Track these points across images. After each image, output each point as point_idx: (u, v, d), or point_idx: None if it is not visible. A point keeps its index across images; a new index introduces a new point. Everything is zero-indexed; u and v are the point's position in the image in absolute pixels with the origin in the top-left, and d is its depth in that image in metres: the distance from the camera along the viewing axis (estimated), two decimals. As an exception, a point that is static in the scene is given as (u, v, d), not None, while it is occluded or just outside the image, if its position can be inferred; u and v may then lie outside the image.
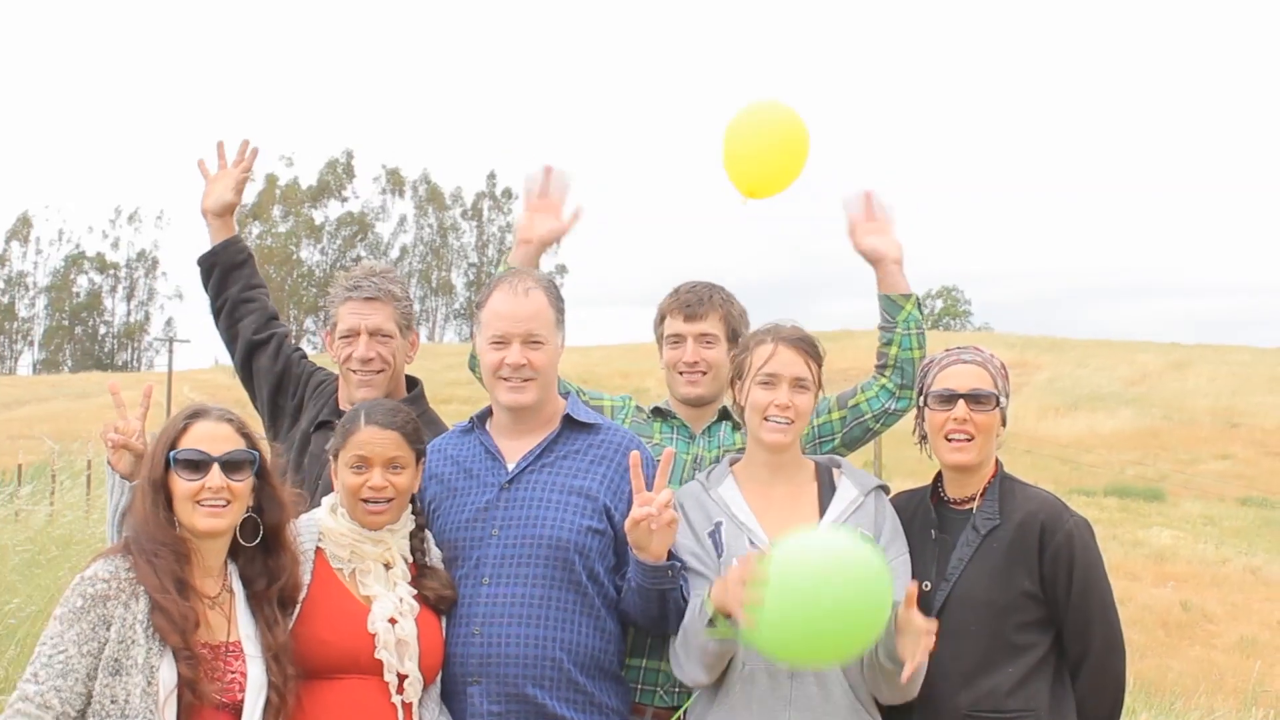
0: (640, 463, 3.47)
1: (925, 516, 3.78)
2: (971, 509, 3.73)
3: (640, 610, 3.54)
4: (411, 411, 3.73)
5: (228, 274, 4.53)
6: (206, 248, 4.59)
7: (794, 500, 3.68)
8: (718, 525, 3.64)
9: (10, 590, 7.19)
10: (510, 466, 3.70)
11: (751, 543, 3.57)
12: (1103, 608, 3.67)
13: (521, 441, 3.74)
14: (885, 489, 3.81)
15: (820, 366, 3.74)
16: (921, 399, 3.85)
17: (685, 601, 3.52)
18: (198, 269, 4.59)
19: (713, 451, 4.15)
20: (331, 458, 3.58)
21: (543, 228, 4.35)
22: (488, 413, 3.86)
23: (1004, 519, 3.68)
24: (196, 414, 3.26)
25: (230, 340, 4.55)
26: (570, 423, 3.76)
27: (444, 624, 3.56)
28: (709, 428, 4.21)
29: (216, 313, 4.57)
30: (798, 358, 3.67)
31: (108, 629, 2.98)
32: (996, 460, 3.83)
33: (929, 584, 3.64)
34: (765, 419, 3.65)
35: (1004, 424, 3.81)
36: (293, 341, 4.56)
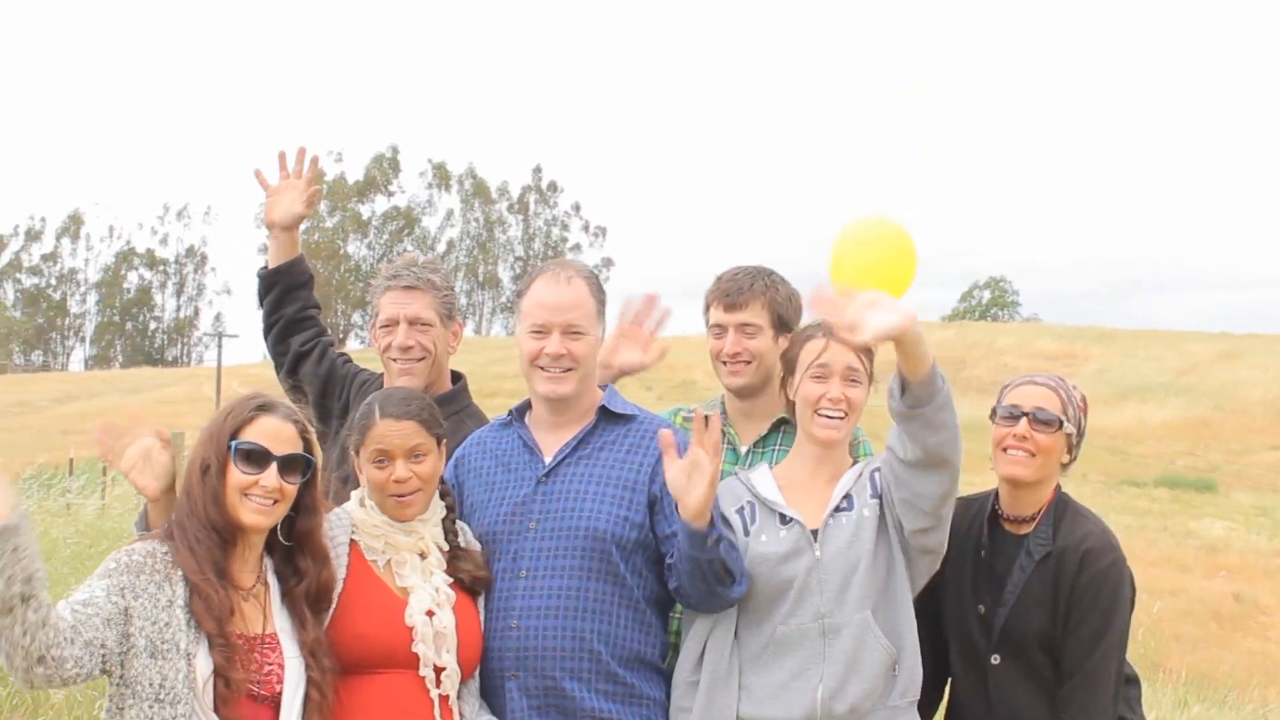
0: (673, 442, 3.39)
1: (976, 534, 3.77)
2: (1025, 534, 3.71)
3: (688, 579, 3.42)
4: (425, 396, 3.73)
5: (288, 293, 4.52)
6: (267, 260, 4.56)
7: (825, 486, 3.63)
8: (748, 504, 3.63)
9: (61, 583, 7.24)
10: (547, 459, 3.67)
11: (782, 518, 3.56)
12: (1107, 649, 3.58)
13: (559, 434, 3.71)
14: None
15: (871, 361, 3.68)
16: (992, 415, 3.82)
17: (732, 576, 3.41)
18: (257, 280, 4.56)
19: None
20: (353, 453, 3.56)
21: (626, 357, 4.32)
22: (527, 405, 3.83)
23: (1055, 547, 3.66)
24: (265, 407, 3.24)
25: (280, 355, 4.55)
26: (606, 414, 3.73)
27: (481, 612, 3.54)
28: (763, 438, 4.04)
29: (269, 328, 4.55)
30: (849, 350, 3.60)
31: (135, 598, 2.99)
32: (1058, 485, 3.78)
33: (984, 607, 3.67)
34: (817, 413, 3.60)
35: (1071, 454, 3.75)
36: (336, 348, 4.56)
